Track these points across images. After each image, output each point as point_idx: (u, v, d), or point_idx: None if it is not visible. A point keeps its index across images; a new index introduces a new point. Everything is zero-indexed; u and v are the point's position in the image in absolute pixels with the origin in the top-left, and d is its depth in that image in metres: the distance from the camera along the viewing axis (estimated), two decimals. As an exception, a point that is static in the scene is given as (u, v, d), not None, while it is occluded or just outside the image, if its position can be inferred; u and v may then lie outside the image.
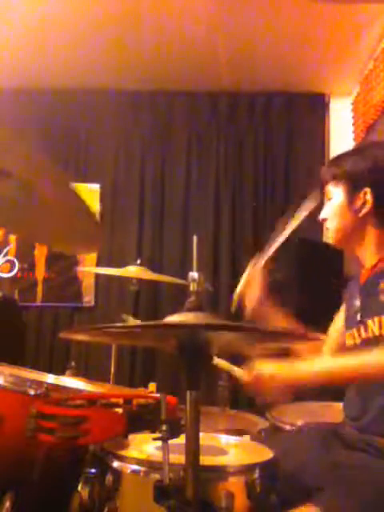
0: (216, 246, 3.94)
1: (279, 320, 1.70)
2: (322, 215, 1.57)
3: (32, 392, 1.29)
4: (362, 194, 1.47)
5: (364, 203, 1.46)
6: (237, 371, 1.59)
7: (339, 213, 1.51)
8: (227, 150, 4.08)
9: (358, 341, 1.46)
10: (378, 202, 1.46)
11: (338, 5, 3.07)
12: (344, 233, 1.53)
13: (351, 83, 3.88)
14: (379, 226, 1.48)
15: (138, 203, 4.04)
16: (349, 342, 1.51)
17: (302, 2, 3.05)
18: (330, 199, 1.55)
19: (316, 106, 4.10)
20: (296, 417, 1.84)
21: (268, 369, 1.36)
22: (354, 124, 3.86)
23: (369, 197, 1.46)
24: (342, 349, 1.57)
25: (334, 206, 1.52)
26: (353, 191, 1.48)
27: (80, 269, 3.88)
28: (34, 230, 1.35)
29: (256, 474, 1.18)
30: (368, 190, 1.46)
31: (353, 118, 3.89)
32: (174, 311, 1.00)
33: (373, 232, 1.48)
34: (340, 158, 1.57)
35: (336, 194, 1.52)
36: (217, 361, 1.66)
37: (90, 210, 1.28)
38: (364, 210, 1.47)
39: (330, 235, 1.57)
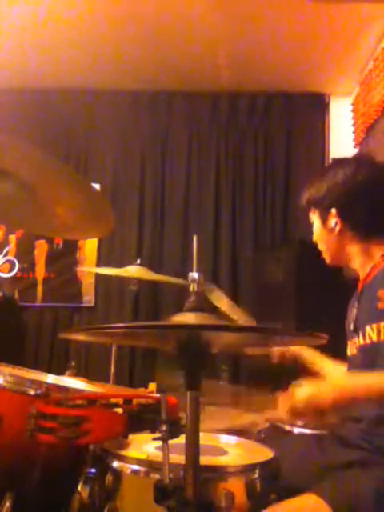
0: (216, 246, 3.94)
1: None
2: (314, 239, 1.64)
3: (32, 392, 1.28)
4: (330, 215, 1.53)
5: (336, 223, 1.52)
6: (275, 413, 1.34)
7: (320, 236, 1.59)
8: (227, 150, 4.08)
9: (355, 349, 1.45)
10: (346, 218, 1.51)
11: (338, 5, 3.08)
12: (331, 253, 1.59)
13: (351, 83, 3.88)
14: (358, 239, 1.52)
15: (138, 203, 4.04)
16: (349, 351, 1.52)
17: (302, 2, 3.05)
18: (312, 224, 1.61)
19: (316, 106, 4.10)
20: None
21: (305, 391, 1.25)
22: (353, 124, 3.86)
23: (336, 216, 1.51)
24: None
25: (315, 230, 1.60)
26: (324, 214, 1.55)
27: (80, 269, 3.88)
28: (41, 224, 1.35)
29: (256, 474, 1.17)
30: (334, 209, 1.52)
31: (353, 118, 3.89)
32: (174, 311, 1.00)
33: (354, 246, 1.53)
34: (310, 184, 1.62)
35: (314, 219, 1.60)
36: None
37: (98, 192, 1.29)
38: (337, 229, 1.52)
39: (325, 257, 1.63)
